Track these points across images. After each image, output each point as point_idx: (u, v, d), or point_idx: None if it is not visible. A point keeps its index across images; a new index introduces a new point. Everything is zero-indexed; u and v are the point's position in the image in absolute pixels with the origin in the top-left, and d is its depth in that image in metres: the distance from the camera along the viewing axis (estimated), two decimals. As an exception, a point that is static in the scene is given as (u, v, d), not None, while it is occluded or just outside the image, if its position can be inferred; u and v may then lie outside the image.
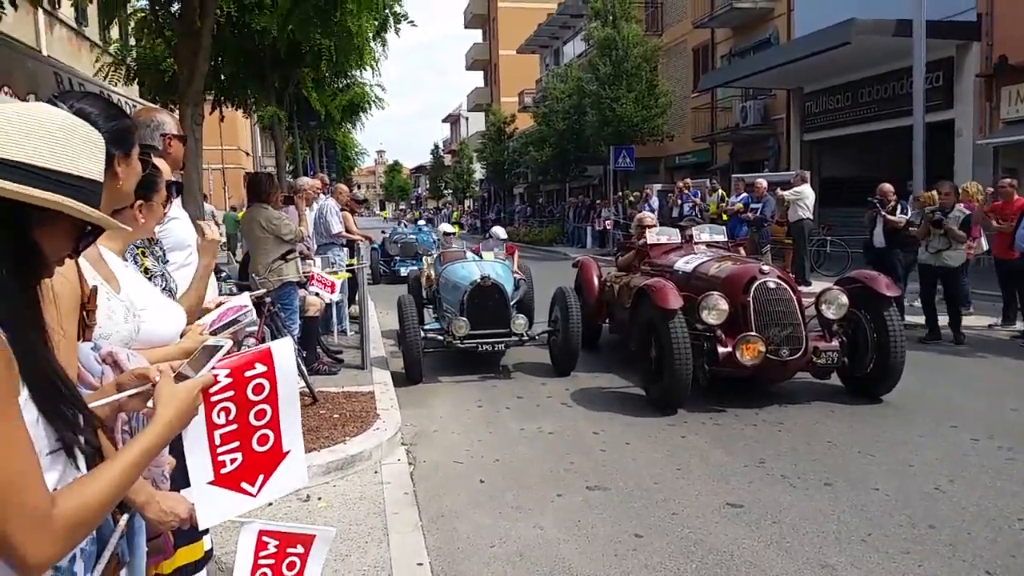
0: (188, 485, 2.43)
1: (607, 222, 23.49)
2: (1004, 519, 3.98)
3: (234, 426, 1.54)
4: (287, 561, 1.92)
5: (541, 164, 32.14)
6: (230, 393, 1.51)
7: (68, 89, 9.19)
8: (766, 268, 6.29)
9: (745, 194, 14.86)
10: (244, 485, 1.59)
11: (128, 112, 2.16)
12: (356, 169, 51.31)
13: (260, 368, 1.52)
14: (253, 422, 1.56)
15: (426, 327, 7.74)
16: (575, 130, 27.53)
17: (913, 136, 12.68)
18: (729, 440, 5.40)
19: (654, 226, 8.75)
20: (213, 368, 1.45)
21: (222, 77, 13.91)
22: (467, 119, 59.25)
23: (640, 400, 6.43)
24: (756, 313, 6.01)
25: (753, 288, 6.07)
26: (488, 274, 7.62)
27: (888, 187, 9.78)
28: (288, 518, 3.97)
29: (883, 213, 9.51)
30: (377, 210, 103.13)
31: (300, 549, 1.93)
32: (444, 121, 74.06)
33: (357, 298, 8.01)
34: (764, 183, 14.42)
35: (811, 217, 13.38)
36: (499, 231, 10.54)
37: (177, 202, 3.70)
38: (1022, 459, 4.86)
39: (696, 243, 7.94)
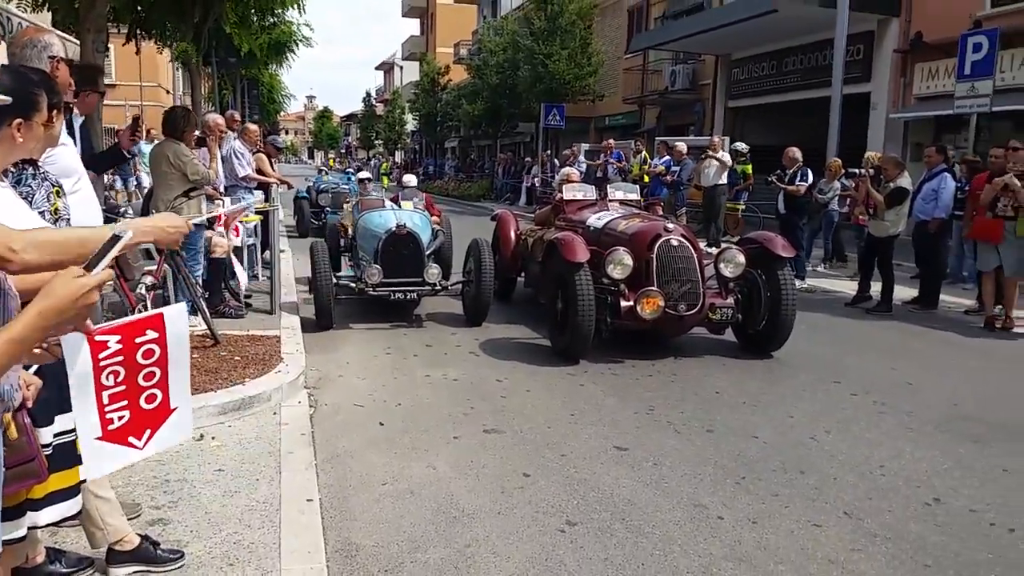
0: (50, 420, 2.43)
1: (535, 179, 23.52)
2: (868, 466, 4.27)
3: (123, 387, 1.56)
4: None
5: (473, 118, 31.83)
6: (119, 359, 1.52)
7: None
8: (670, 226, 6.46)
9: (667, 157, 15.14)
10: (131, 439, 1.64)
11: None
12: (283, 113, 49.66)
13: (151, 334, 1.54)
14: (142, 383, 1.59)
15: (340, 274, 7.69)
16: (508, 85, 27.27)
17: (831, 107, 13.10)
18: (624, 389, 5.60)
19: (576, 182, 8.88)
20: (107, 266, 1.41)
21: (139, 8, 13.24)
22: (401, 68, 57.96)
23: (546, 351, 6.58)
24: (658, 269, 6.19)
25: (657, 245, 6.24)
26: (404, 223, 7.58)
27: (795, 152, 10.05)
28: (179, 456, 3.96)
29: (779, 184, 9.83)
30: (305, 157, 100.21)
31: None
32: (378, 69, 72.17)
33: (269, 243, 7.88)
34: (684, 147, 14.74)
35: (726, 183, 13.72)
36: (409, 178, 11.11)
37: (63, 129, 3.59)
38: (893, 413, 5.21)
39: (610, 200, 8.07)
